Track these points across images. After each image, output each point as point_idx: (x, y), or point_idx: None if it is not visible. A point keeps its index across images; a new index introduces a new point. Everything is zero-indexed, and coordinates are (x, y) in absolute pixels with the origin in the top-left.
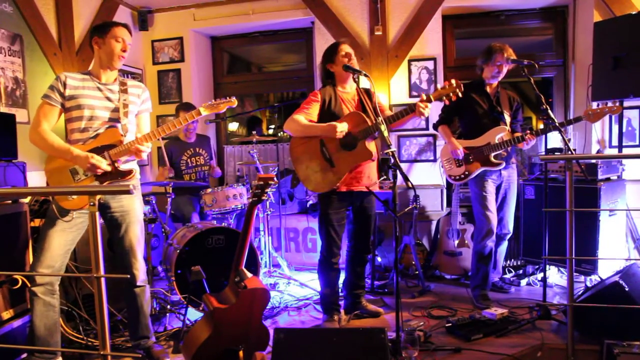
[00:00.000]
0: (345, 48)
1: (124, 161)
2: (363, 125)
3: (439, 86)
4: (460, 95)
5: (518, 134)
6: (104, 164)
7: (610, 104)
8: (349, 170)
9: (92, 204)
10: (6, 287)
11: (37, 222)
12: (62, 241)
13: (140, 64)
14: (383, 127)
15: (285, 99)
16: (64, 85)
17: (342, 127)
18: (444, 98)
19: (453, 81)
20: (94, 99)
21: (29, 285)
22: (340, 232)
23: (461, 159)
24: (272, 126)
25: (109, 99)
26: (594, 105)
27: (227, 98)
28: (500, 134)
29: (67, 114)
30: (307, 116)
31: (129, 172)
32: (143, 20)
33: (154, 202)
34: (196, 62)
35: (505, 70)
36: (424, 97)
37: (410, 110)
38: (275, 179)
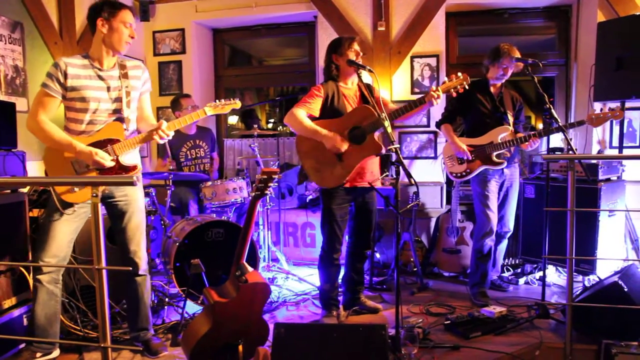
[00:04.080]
0: (357, 46)
1: (124, 154)
2: (371, 118)
3: (446, 79)
4: (467, 87)
5: (521, 135)
6: (107, 161)
7: (610, 104)
8: (358, 163)
9: (94, 195)
10: (6, 276)
11: (35, 212)
12: (67, 230)
13: (141, 54)
14: (386, 123)
15: (286, 93)
16: (65, 75)
17: (340, 146)
18: (452, 90)
19: (460, 74)
20: (96, 90)
21: (28, 276)
22: (343, 228)
23: (466, 158)
24: (272, 120)
25: (111, 88)
26: (596, 105)
27: (232, 100)
28: (503, 134)
29: (67, 102)
30: (308, 110)
31: (134, 167)
32: (145, 10)
33: (153, 194)
34: (197, 54)
35: (510, 72)
36: (434, 88)
37: (419, 102)
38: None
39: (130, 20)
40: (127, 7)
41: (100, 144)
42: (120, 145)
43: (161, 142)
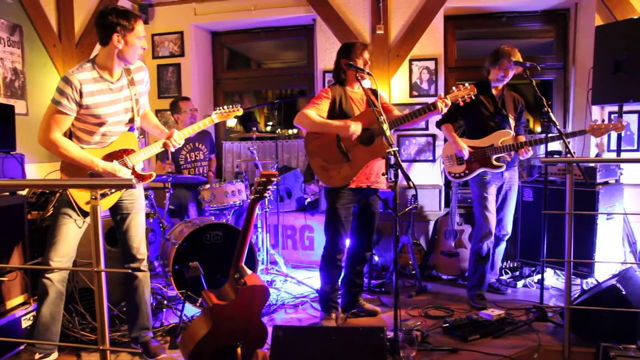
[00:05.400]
0: (367, 54)
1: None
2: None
3: (454, 88)
4: (473, 98)
5: (521, 138)
6: (129, 176)
7: (608, 107)
8: (366, 164)
9: (94, 197)
10: (7, 279)
11: (34, 215)
12: (77, 232)
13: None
14: (385, 127)
15: (284, 96)
16: (80, 94)
17: (356, 128)
18: (459, 100)
19: (467, 84)
20: (109, 105)
21: (26, 278)
22: (347, 228)
23: (466, 159)
24: (271, 123)
25: (122, 99)
26: (594, 109)
27: (234, 108)
28: (504, 138)
29: (79, 116)
30: (317, 111)
31: (149, 176)
32: (143, 13)
33: (152, 196)
34: (196, 57)
35: (511, 74)
36: (442, 96)
37: (428, 109)
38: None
39: (143, 33)
40: (139, 17)
41: (115, 155)
42: (135, 155)
43: (172, 150)
